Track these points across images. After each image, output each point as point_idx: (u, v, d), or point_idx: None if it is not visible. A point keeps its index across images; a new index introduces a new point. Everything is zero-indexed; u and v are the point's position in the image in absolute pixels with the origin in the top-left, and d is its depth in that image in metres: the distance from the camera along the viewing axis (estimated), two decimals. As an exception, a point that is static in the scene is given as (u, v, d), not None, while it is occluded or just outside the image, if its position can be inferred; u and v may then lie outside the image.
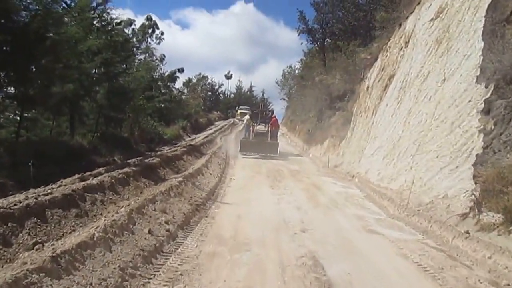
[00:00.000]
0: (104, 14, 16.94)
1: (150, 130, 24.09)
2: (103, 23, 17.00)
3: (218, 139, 27.67)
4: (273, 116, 25.73)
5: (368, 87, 17.52)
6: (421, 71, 12.06)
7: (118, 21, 18.85)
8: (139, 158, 12.29)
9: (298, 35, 33.94)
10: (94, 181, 6.70)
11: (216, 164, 16.19)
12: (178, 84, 62.29)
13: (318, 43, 34.04)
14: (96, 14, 16.68)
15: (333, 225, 8.18)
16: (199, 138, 25.79)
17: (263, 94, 67.74)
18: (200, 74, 65.84)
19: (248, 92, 72.21)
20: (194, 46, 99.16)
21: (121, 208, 5.77)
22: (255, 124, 24.02)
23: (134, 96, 19.59)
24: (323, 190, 12.82)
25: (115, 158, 14.56)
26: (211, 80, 66.11)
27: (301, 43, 33.85)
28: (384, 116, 14.34)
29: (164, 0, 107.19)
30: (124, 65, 20.52)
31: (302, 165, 19.77)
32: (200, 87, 63.50)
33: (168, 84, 40.50)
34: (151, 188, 8.71)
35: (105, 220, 4.74)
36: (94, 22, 16.42)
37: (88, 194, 6.02)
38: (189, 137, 28.72)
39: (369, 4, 32.46)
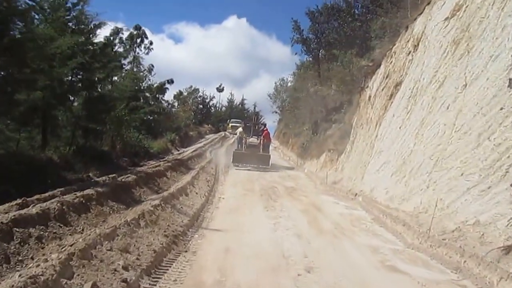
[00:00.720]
0: (83, 17, 15.47)
1: (134, 143, 22.39)
2: (80, 26, 15.49)
3: (207, 153, 26.11)
4: (265, 129, 25.62)
5: (370, 96, 16.11)
6: (436, 77, 10.64)
7: (97, 23, 17.14)
8: (111, 175, 10.66)
9: (292, 45, 32.67)
10: (35, 209, 5.08)
11: (203, 181, 14.58)
12: (169, 96, 60.82)
13: (313, 53, 32.74)
14: (72, 15, 15.19)
15: (344, 261, 6.59)
16: (188, 152, 24.21)
17: (254, 108, 66.30)
18: (191, 86, 64.49)
19: (240, 106, 70.94)
20: (187, 60, 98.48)
21: (62, 249, 4.15)
22: (247, 136, 24.06)
23: (115, 106, 17.99)
24: (324, 211, 11.25)
25: (90, 174, 12.88)
26: (203, 93, 64.72)
27: (295, 53, 32.32)
28: (390, 128, 12.87)
29: (157, 14, 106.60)
30: (105, 72, 18.85)
31: (298, 182, 18.23)
32: (191, 100, 62.13)
33: (157, 95, 39.10)
34: (118, 215, 7.10)
35: (20, 277, 3.12)
36: (70, 24, 14.93)
37: (18, 229, 4.42)
38: (178, 150, 27.15)
39: (365, 14, 31.37)
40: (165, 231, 6.59)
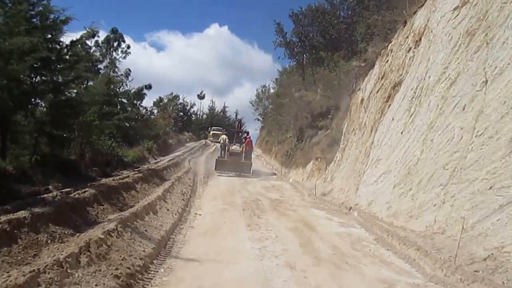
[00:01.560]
0: (48, 12, 13.69)
1: (106, 151, 20.46)
2: (45, 22, 13.71)
3: (186, 161, 24.36)
4: (247, 136, 25.55)
5: (362, 100, 14.70)
6: (445, 74, 9.22)
7: (63, 18, 15.23)
8: (65, 190, 8.89)
9: (275, 48, 31.25)
10: None
11: (178, 194, 12.86)
12: (148, 103, 58.68)
13: (297, 57, 31.39)
14: (35, 11, 13.43)
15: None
16: (165, 160, 22.42)
17: (236, 115, 64.79)
18: (171, 93, 62.59)
19: (221, 113, 69.20)
20: (169, 68, 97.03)
21: None
22: (230, 144, 24.14)
23: (83, 110, 16.18)
24: (317, 230, 9.65)
25: (49, 187, 11.06)
26: (183, 100, 62.91)
27: (278, 57, 30.98)
28: (389, 133, 11.42)
29: (139, 22, 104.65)
30: (73, 74, 16.94)
31: (284, 193, 16.64)
32: (171, 107, 60.26)
33: (135, 101, 37.23)
34: (59, 246, 5.37)
35: None
36: (34, 20, 13.15)
37: None
38: (155, 159, 25.31)
39: (351, 16, 30.22)
40: (117, 269, 4.89)
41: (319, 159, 18.18)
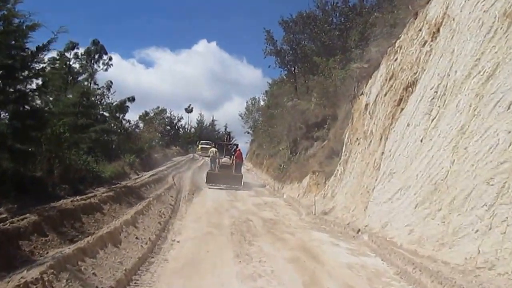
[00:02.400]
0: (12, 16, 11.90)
1: (80, 167, 18.38)
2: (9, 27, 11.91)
3: (170, 177, 22.35)
4: (237, 149, 25.74)
5: (367, 105, 12.95)
6: (478, 66, 7.47)
7: (29, 24, 13.33)
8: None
9: (265, 57, 29.57)
10: None
11: (155, 216, 10.91)
12: (133, 117, 56.56)
13: (288, 66, 29.74)
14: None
15: None
16: (145, 176, 20.42)
17: (225, 128, 62.97)
18: (158, 107, 60.76)
19: (210, 127, 67.24)
20: (158, 85, 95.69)
21: None
22: (220, 157, 24.31)
23: (52, 122, 14.33)
24: (324, 261, 7.75)
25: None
26: (170, 113, 60.96)
27: (269, 66, 29.24)
28: (404, 141, 9.63)
29: (127, 39, 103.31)
30: (39, 81, 14.97)
31: (278, 211, 14.75)
32: (157, 121, 58.36)
33: (117, 114, 35.29)
34: None
35: None
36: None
37: None
38: (138, 175, 23.29)
39: (344, 23, 28.73)
40: None
41: (317, 173, 16.35)
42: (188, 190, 19.20)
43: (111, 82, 34.38)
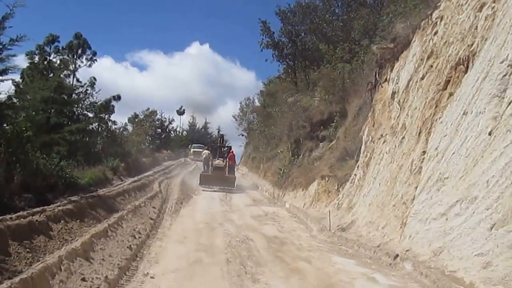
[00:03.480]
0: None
1: (50, 172, 15.67)
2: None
3: (156, 183, 19.72)
4: (230, 151, 25.62)
5: (394, 93, 10.41)
6: None
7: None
8: None
9: (261, 50, 26.99)
10: None
11: (126, 236, 8.31)
12: (122, 119, 53.77)
13: (287, 59, 27.19)
14: None
15: None
16: (126, 183, 17.75)
17: (219, 131, 60.18)
18: (148, 109, 57.94)
19: (203, 130, 64.33)
20: (151, 88, 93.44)
21: None
22: (213, 159, 24.21)
23: (9, 116, 11.91)
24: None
25: None
26: (161, 115, 58.10)
27: (266, 60, 26.69)
28: (460, 135, 7.08)
29: (119, 43, 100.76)
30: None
31: (283, 225, 12.18)
32: (148, 123, 55.57)
33: (103, 115, 32.48)
34: None
35: None
36: None
37: None
38: (122, 180, 20.65)
39: (347, 13, 26.26)
40: None
41: (327, 178, 13.80)
42: (176, 198, 16.64)
43: (95, 78, 31.56)
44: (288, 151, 20.97)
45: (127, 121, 46.80)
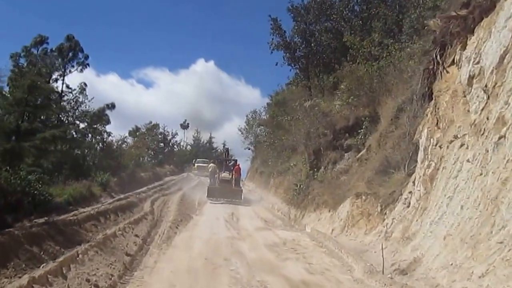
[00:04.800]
0: None
1: (14, 188, 12.55)
2: None
3: (148, 201, 16.58)
4: (236, 164, 26.00)
5: (472, 77, 7.23)
6: None
7: None
8: None
9: (271, 51, 23.87)
10: None
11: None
12: (124, 132, 50.90)
13: (300, 62, 24.06)
14: None
15: None
16: (108, 202, 14.62)
17: (224, 145, 56.90)
18: (150, 122, 54.94)
19: (207, 144, 61.00)
20: (158, 105, 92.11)
21: None
22: (220, 172, 24.51)
23: None
24: None
25: None
26: (163, 129, 55.07)
27: (276, 64, 23.60)
28: None
29: (125, 60, 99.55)
30: None
31: (311, 261, 8.95)
32: (150, 137, 52.56)
33: (96, 126, 29.65)
34: None
35: None
36: None
37: None
38: (113, 197, 17.64)
39: (368, 10, 23.25)
40: None
41: (364, 197, 10.56)
42: (171, 220, 13.54)
43: (85, 84, 28.72)
44: (304, 164, 17.73)
45: (127, 135, 43.82)
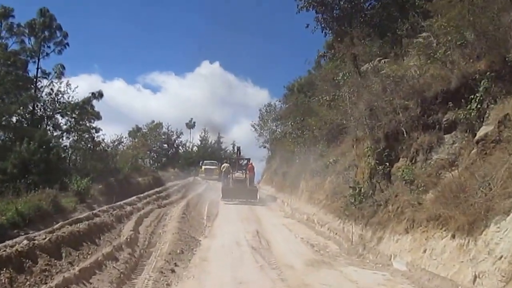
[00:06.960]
0: None
1: None
2: None
3: (132, 219, 10.84)
4: (249, 163, 25.46)
5: None
6: None
7: None
8: None
9: (299, 10, 17.89)
10: None
11: None
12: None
13: (338, 25, 18.05)
14: None
15: None
16: (60, 223, 8.81)
17: (233, 146, 51.02)
18: (153, 121, 49.25)
19: (216, 145, 54.81)
20: (166, 110, 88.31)
21: None
22: (233, 172, 24.10)
23: None
24: None
25: None
26: (167, 129, 49.33)
27: (306, 26, 17.60)
28: None
29: (131, 65, 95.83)
30: None
31: None
32: (153, 137, 46.95)
33: (77, 118, 23.92)
34: None
35: None
36: None
37: None
38: (93, 209, 12.02)
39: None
40: None
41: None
42: (164, 253, 7.79)
43: (63, 66, 22.93)
44: (367, 156, 11.79)
45: (127, 135, 38.25)
